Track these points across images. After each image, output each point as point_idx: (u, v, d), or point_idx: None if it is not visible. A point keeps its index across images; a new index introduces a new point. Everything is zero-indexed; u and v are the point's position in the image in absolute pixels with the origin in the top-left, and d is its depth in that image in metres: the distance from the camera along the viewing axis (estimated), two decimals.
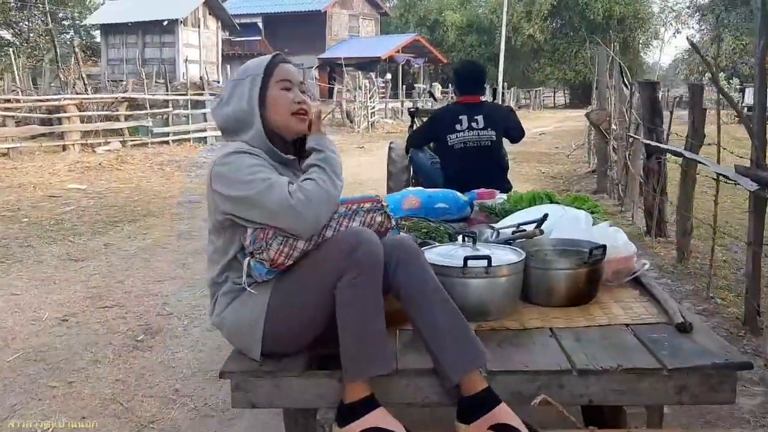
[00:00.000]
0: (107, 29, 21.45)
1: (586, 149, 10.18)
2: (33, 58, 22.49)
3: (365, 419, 1.45)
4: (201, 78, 14.04)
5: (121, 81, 12.84)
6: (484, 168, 3.43)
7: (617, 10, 33.22)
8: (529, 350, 1.63)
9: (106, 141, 10.30)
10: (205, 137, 11.67)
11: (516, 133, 3.73)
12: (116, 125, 10.39)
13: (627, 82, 5.98)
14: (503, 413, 1.44)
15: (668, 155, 4.45)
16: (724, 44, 32.01)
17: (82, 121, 10.01)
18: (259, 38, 32.55)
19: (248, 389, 1.54)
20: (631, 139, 5.54)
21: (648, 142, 4.67)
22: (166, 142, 11.11)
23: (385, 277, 1.50)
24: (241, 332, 1.60)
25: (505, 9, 27.05)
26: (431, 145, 3.88)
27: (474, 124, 3.52)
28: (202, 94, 11.82)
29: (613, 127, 6.43)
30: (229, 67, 17.40)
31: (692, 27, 35.13)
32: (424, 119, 4.33)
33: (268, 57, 1.70)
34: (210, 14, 21.32)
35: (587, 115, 6.89)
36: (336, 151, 1.65)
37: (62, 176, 8.01)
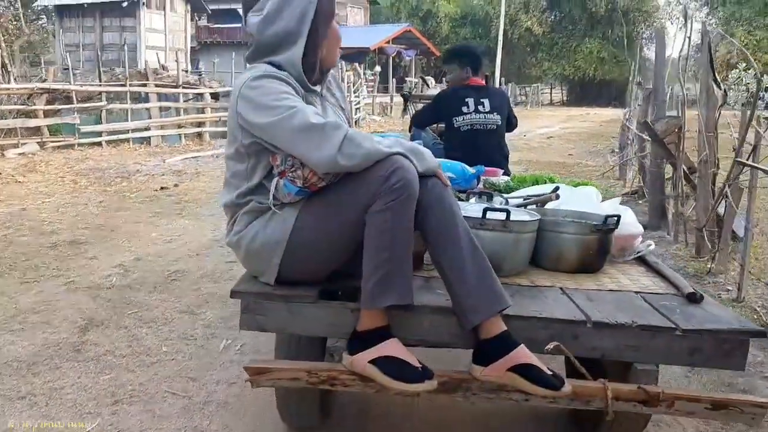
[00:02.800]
0: (62, 11, 19.17)
1: (613, 156, 8.15)
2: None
3: (378, 348, 1.50)
4: (162, 66, 11.77)
5: (76, 70, 10.61)
6: (488, 151, 3.52)
7: (621, 2, 31.74)
8: (542, 302, 1.70)
9: (20, 142, 8.64)
10: (149, 137, 9.41)
11: (514, 121, 3.85)
12: (31, 123, 8.16)
13: (717, 81, 3.87)
14: (523, 354, 1.50)
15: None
16: (735, 39, 30.18)
17: None
18: (240, 25, 30.74)
19: (259, 312, 1.59)
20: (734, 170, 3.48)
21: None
22: (99, 144, 8.85)
23: (416, 213, 1.55)
24: (260, 252, 1.63)
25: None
26: (436, 126, 3.93)
27: (480, 107, 3.59)
28: (146, 85, 9.51)
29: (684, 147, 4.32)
30: (216, 57, 15.29)
31: (700, 20, 33.13)
32: (418, 104, 4.57)
33: None
34: None
35: (645, 124, 4.73)
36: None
37: None
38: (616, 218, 1.96)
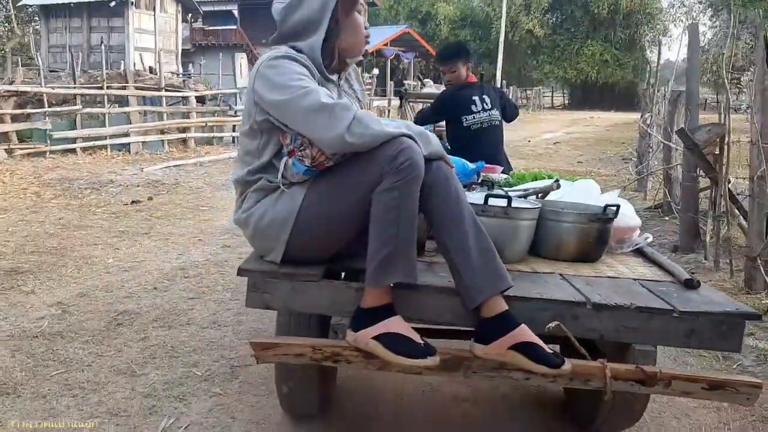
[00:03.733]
0: (48, 10, 18.56)
1: (626, 163, 7.55)
2: None
3: (382, 324, 1.56)
4: (150, 68, 11.18)
5: (61, 71, 9.99)
6: (495, 147, 3.67)
7: (624, 3, 31.47)
8: (542, 286, 1.77)
9: None
10: (128, 144, 8.78)
11: (512, 111, 4.00)
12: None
13: None
14: (524, 333, 1.56)
15: None
16: (741, 43, 29.61)
17: None
18: (235, 27, 30.30)
19: (265, 290, 1.65)
20: None
21: None
22: (73, 151, 8.20)
23: (421, 194, 1.62)
24: (267, 230, 1.70)
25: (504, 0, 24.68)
26: (433, 128, 4.01)
27: (485, 105, 3.72)
28: (125, 88, 8.87)
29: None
30: (203, 58, 14.74)
31: (704, 23, 32.91)
32: (414, 103, 4.69)
33: None
34: None
35: (681, 132, 4.08)
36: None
37: None
38: (615, 208, 2.04)
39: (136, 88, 10.12)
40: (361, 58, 1.90)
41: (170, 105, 11.00)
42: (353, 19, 1.80)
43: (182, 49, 21.67)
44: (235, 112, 11.57)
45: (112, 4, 17.56)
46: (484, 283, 1.59)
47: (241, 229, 1.81)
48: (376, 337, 1.54)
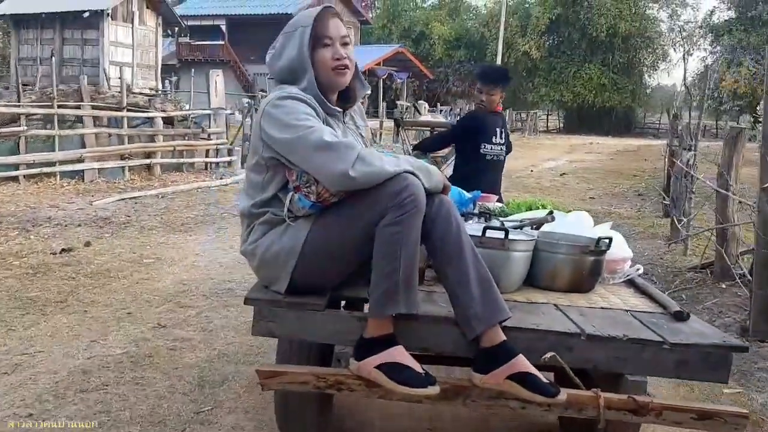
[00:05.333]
0: (18, 21, 17.56)
1: (645, 200, 6.71)
2: None
3: (384, 353, 1.66)
4: (124, 83, 10.13)
5: (32, 85, 8.90)
6: (495, 181, 3.77)
7: (622, 27, 31.37)
8: (537, 316, 1.90)
9: None
10: (82, 171, 7.64)
11: (509, 146, 4.07)
12: None
13: None
14: (521, 363, 1.68)
15: None
16: (743, 69, 29.33)
17: None
18: (222, 42, 29.66)
19: (270, 318, 1.75)
20: None
21: None
22: (15, 179, 7.03)
23: (423, 227, 1.75)
24: (273, 261, 1.82)
25: (503, 20, 24.06)
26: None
27: (501, 138, 3.85)
28: (79, 107, 7.76)
29: None
30: (193, 71, 13.75)
31: (705, 49, 32.52)
32: (410, 131, 4.84)
33: (318, 9, 1.95)
34: (148, 7, 17.51)
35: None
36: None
37: None
38: (608, 240, 2.17)
39: (93, 107, 9.01)
40: (341, 89, 2.01)
41: (135, 126, 9.89)
42: (318, 56, 1.92)
43: (168, 65, 20.68)
44: (209, 135, 10.50)
45: (86, 14, 16.57)
46: (483, 314, 1.71)
47: (247, 260, 1.95)
48: (378, 366, 1.66)
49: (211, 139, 10.92)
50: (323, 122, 1.84)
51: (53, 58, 11.24)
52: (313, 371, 1.70)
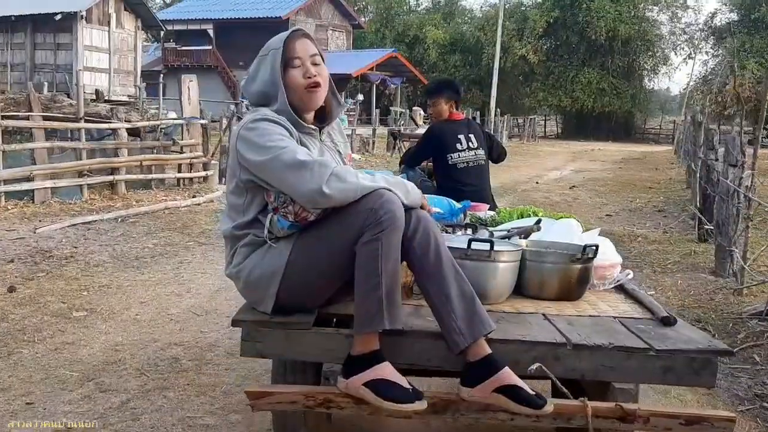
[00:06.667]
0: None
1: (668, 217, 6.12)
2: None
3: (371, 371, 1.72)
4: (97, 91, 9.19)
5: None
6: (480, 188, 3.80)
7: (622, 30, 30.70)
8: (525, 327, 1.95)
9: None
10: (32, 191, 6.63)
11: (498, 152, 4.12)
12: None
13: None
14: (507, 376, 1.74)
15: None
16: (746, 72, 28.70)
17: None
18: (210, 48, 28.81)
19: (258, 339, 1.78)
20: None
21: None
22: None
23: (402, 245, 1.82)
24: (257, 284, 1.88)
25: (500, 24, 23.33)
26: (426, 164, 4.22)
27: (470, 144, 3.85)
28: (27, 118, 6.77)
29: None
30: (182, 77, 12.76)
31: (707, 52, 31.86)
32: (406, 143, 5.11)
33: (287, 32, 2.04)
34: (125, 9, 16.55)
35: None
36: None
37: None
38: (594, 248, 2.22)
39: (45, 118, 7.98)
40: (315, 108, 2.07)
41: (101, 139, 8.89)
42: (289, 76, 1.98)
43: (154, 71, 19.73)
44: (181, 148, 9.48)
45: (58, 17, 15.59)
46: (466, 330, 1.76)
47: (233, 282, 2.02)
48: (365, 384, 1.72)
49: (183, 152, 10.03)
50: (298, 142, 1.92)
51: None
52: (302, 390, 1.77)
